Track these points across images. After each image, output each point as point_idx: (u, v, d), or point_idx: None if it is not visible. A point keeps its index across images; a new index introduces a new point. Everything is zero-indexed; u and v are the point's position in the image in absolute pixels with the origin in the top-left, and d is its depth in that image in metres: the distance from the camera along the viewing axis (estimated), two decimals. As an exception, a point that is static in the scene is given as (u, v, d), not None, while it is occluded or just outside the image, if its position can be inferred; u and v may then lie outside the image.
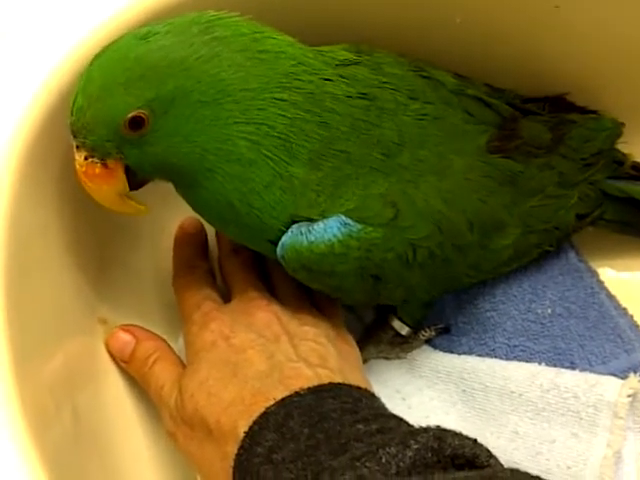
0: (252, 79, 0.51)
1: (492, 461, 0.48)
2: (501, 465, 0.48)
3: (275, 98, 0.52)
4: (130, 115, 0.50)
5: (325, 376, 0.56)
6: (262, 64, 0.52)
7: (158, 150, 0.52)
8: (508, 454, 0.63)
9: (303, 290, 0.64)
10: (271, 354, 0.57)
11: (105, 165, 0.52)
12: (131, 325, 0.65)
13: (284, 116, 0.53)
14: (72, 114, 0.51)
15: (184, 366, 0.61)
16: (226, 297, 0.65)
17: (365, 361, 0.69)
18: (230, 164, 0.53)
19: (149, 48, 0.50)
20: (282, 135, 0.53)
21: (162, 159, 0.53)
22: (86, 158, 0.52)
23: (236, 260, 0.66)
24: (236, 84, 0.51)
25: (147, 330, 0.65)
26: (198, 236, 0.69)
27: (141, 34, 0.51)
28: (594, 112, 0.72)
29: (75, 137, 0.51)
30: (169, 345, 0.64)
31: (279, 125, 0.53)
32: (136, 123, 0.50)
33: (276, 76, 0.52)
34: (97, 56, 0.51)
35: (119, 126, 0.50)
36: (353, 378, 0.58)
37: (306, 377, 0.56)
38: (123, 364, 0.64)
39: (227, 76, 0.51)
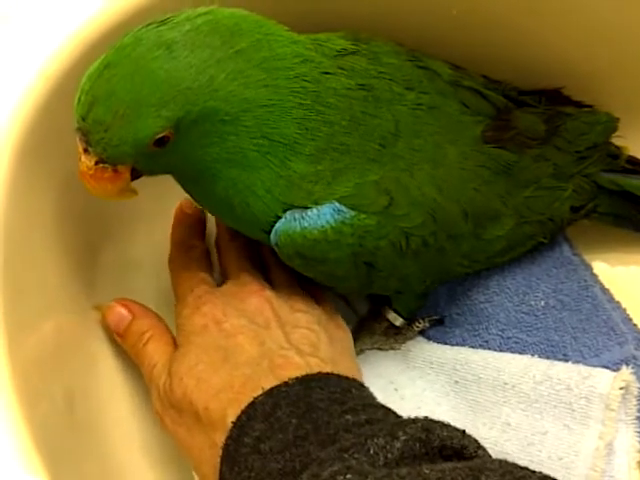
0: (270, 93, 0.52)
1: (480, 452, 0.48)
2: (489, 456, 0.49)
3: (287, 107, 0.52)
4: (159, 136, 0.49)
5: (315, 365, 0.56)
6: (277, 73, 0.52)
7: (170, 159, 0.52)
8: (500, 445, 0.63)
9: (297, 276, 0.63)
10: (262, 341, 0.57)
11: (115, 170, 0.51)
12: (129, 300, 0.65)
13: (294, 121, 0.53)
14: (84, 120, 0.49)
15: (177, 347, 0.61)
16: (221, 278, 0.65)
17: (359, 352, 0.69)
18: (235, 170, 0.53)
19: (177, 67, 0.49)
20: (290, 139, 0.53)
21: (172, 165, 0.54)
22: (96, 163, 0.51)
23: (233, 244, 0.66)
24: (257, 101, 0.51)
25: (144, 307, 0.64)
26: (196, 216, 0.68)
27: (165, 43, 0.49)
28: (589, 106, 0.72)
29: (90, 145, 0.50)
30: (165, 324, 0.64)
31: (288, 130, 0.53)
32: (162, 142, 0.50)
33: (287, 82, 0.52)
34: (114, 61, 0.49)
35: (145, 145, 0.49)
36: (344, 366, 0.59)
37: (296, 366, 0.56)
38: (118, 338, 0.64)
39: (250, 94, 0.51)
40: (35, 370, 0.55)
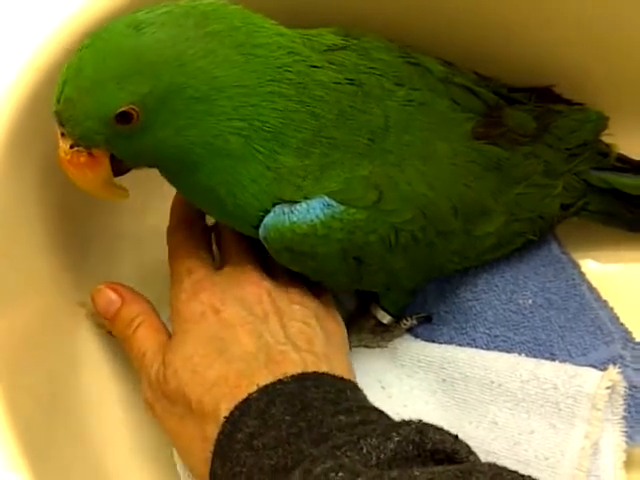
0: (246, 76, 0.51)
1: (471, 457, 0.48)
2: (480, 461, 0.48)
3: (267, 93, 0.52)
4: (120, 110, 0.49)
5: (311, 362, 0.56)
6: (255, 59, 0.52)
7: (146, 143, 0.52)
8: (487, 444, 0.62)
9: None
10: (260, 334, 0.57)
11: (91, 154, 0.51)
12: (119, 284, 0.63)
13: (276, 109, 0.52)
14: (58, 102, 0.49)
15: (168, 333, 0.60)
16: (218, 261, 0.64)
17: (345, 350, 0.69)
18: (219, 158, 0.53)
19: (144, 42, 0.49)
20: (273, 128, 0.53)
21: (150, 151, 0.53)
22: (72, 146, 0.51)
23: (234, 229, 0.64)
24: (230, 81, 0.51)
25: (134, 291, 0.63)
26: None
27: (134, 23, 0.49)
28: (580, 104, 0.72)
29: (62, 126, 0.50)
30: (154, 309, 0.62)
31: (271, 119, 0.52)
32: (126, 118, 0.49)
33: (268, 70, 0.52)
34: (87, 44, 0.50)
35: (109, 120, 0.49)
36: (338, 364, 0.58)
37: (292, 362, 0.55)
38: (106, 322, 0.63)
39: (221, 73, 0.50)
40: (18, 363, 0.54)
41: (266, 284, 0.60)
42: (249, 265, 0.61)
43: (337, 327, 0.63)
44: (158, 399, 0.57)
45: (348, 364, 0.61)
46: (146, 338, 0.60)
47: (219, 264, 0.63)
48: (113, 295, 0.62)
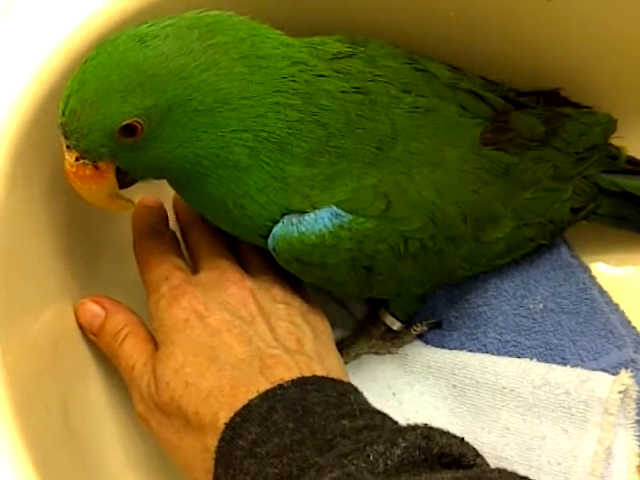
0: (250, 87, 0.51)
1: (479, 460, 0.48)
2: (487, 464, 0.48)
3: (273, 103, 0.52)
4: (124, 123, 0.49)
5: (304, 364, 0.55)
6: (260, 71, 0.52)
7: (152, 155, 0.52)
8: (499, 450, 0.62)
9: (272, 264, 0.61)
10: (249, 339, 0.56)
11: (96, 167, 0.51)
12: (102, 296, 0.62)
13: (282, 120, 0.52)
14: (64, 114, 0.50)
15: (155, 343, 0.59)
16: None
17: (357, 356, 0.69)
18: (225, 170, 0.53)
19: (148, 54, 0.49)
20: (280, 138, 0.53)
21: (155, 163, 0.53)
22: (77, 159, 0.51)
23: (203, 229, 0.64)
24: (234, 93, 0.51)
25: (118, 302, 0.62)
26: (159, 208, 0.65)
27: (139, 36, 0.50)
28: (588, 107, 0.72)
29: (67, 138, 0.50)
30: (140, 319, 0.61)
31: (277, 129, 0.52)
32: (130, 131, 0.50)
33: (273, 81, 0.52)
34: (92, 56, 0.50)
35: (113, 133, 0.49)
36: (329, 361, 0.58)
37: (286, 366, 0.55)
38: (92, 337, 0.62)
39: (225, 85, 0.51)
40: (29, 372, 0.54)
41: (248, 284, 0.60)
42: (227, 265, 0.60)
43: (323, 323, 0.62)
44: (151, 412, 0.56)
45: (339, 361, 0.60)
46: (134, 350, 0.59)
47: (194, 269, 0.62)
48: (96, 307, 0.61)
